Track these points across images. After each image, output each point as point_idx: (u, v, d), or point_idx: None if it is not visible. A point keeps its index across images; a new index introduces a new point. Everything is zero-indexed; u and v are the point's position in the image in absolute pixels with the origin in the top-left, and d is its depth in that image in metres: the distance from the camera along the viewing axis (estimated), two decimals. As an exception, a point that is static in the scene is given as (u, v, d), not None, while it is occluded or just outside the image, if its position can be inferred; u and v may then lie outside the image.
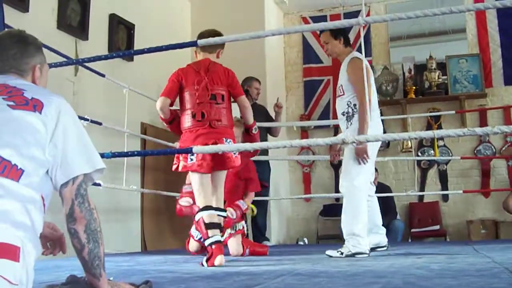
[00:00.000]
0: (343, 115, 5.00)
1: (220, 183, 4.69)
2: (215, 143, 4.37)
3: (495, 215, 8.80)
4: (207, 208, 4.47)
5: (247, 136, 4.95)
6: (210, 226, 4.38)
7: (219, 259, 4.14)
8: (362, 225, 4.76)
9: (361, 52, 4.22)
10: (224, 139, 4.50)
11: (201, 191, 4.53)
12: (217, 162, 4.53)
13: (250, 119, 4.79)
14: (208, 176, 4.55)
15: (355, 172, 4.77)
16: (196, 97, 4.55)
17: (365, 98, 4.16)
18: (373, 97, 5.09)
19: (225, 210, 4.77)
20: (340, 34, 5.05)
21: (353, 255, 4.65)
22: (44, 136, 2.10)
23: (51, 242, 2.44)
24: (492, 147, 9.15)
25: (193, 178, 4.59)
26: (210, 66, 4.68)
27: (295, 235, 9.41)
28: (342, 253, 4.68)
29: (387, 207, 8.39)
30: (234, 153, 4.52)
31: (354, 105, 4.89)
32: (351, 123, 4.86)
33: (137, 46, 7.44)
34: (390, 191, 8.37)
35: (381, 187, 8.22)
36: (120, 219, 6.99)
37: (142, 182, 7.44)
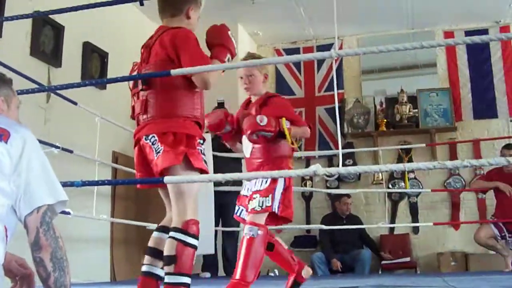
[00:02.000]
0: None
1: (172, 195, 3.25)
2: (137, 145, 3.36)
3: (465, 247, 8.84)
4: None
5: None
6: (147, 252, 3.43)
7: None
8: None
9: (333, 85, 4.22)
10: (145, 137, 3.26)
11: None
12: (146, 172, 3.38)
13: None
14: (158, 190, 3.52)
15: None
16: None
17: None
18: None
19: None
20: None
21: None
22: (9, 167, 2.09)
23: (20, 278, 2.42)
24: (462, 180, 9.24)
25: None
26: (156, 38, 3.55)
27: (266, 267, 9.35)
28: None
29: (359, 237, 8.45)
30: (157, 151, 3.17)
31: None
32: None
33: (111, 74, 7.44)
34: (361, 223, 8.41)
35: (352, 218, 8.30)
36: (89, 248, 6.91)
37: (112, 211, 7.38)
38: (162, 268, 3.22)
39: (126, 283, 5.34)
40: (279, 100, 4.07)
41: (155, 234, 3.43)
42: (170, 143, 3.15)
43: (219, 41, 3.53)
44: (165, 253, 3.11)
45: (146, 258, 3.39)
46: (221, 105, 5.95)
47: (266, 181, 3.77)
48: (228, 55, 3.46)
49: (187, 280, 3.07)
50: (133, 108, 3.39)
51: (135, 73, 3.46)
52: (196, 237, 3.12)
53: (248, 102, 4.18)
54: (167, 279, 3.06)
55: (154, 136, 3.20)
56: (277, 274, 8.83)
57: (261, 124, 3.67)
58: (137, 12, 8.52)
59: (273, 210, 3.74)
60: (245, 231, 3.69)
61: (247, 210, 3.89)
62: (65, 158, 5.85)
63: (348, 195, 8.61)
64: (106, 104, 7.15)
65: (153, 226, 6.78)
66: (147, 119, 3.27)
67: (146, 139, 3.22)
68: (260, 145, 3.89)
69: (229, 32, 3.58)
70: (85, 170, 6.28)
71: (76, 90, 5.41)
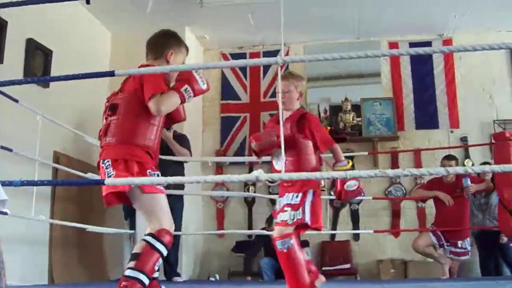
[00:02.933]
0: None
1: (143, 214, 3.70)
2: (99, 166, 3.64)
3: (404, 255, 8.96)
4: None
5: None
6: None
7: None
8: None
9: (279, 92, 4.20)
10: (102, 160, 3.60)
11: None
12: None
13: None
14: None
15: None
16: None
17: None
18: None
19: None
20: None
21: None
22: None
23: None
24: (403, 188, 9.38)
25: None
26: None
27: (207, 271, 9.33)
28: None
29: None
30: (109, 175, 3.47)
31: None
32: None
33: (54, 72, 7.30)
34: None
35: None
36: (27, 250, 6.76)
37: (52, 212, 7.24)
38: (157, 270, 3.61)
39: (64, 286, 5.24)
40: (313, 119, 4.29)
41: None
42: (121, 170, 3.47)
43: (183, 77, 3.71)
44: (133, 251, 3.45)
45: None
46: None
47: (297, 196, 3.99)
48: (187, 86, 3.61)
49: (144, 278, 3.33)
50: (100, 130, 3.70)
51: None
52: (165, 245, 3.45)
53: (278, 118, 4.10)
54: (127, 272, 3.34)
55: (108, 161, 3.54)
56: (218, 278, 8.81)
57: (350, 189, 4.12)
58: (84, 11, 8.43)
59: (305, 222, 3.96)
60: (280, 246, 3.91)
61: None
62: (4, 157, 5.74)
63: None
64: (49, 103, 7.00)
65: (93, 228, 6.71)
66: (105, 141, 3.62)
67: (102, 163, 3.57)
68: (293, 158, 4.09)
69: (197, 72, 3.73)
70: (25, 169, 6.14)
71: (17, 87, 5.27)
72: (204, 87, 3.72)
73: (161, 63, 3.85)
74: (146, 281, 3.32)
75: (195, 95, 3.68)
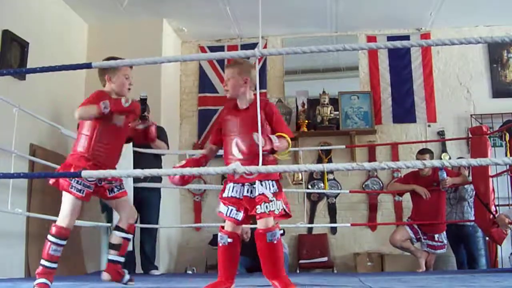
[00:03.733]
0: None
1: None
2: None
3: (381, 248, 9.02)
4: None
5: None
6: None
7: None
8: None
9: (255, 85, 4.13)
10: None
11: None
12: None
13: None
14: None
15: None
16: None
17: None
18: None
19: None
20: None
21: None
22: None
23: None
24: (380, 182, 9.43)
25: None
26: None
27: (184, 264, 9.32)
28: None
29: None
30: None
31: None
32: None
33: (31, 65, 7.21)
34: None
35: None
36: (3, 244, 6.71)
37: (29, 205, 7.18)
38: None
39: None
40: (275, 109, 4.28)
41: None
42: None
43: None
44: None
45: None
46: (143, 101, 5.95)
47: (273, 185, 4.02)
48: (107, 101, 4.35)
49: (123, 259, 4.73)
50: None
51: None
52: (56, 236, 4.36)
53: (235, 106, 4.35)
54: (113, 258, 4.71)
55: None
56: (195, 271, 8.80)
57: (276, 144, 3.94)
58: (61, 2, 8.37)
59: (286, 211, 4.04)
60: (269, 238, 3.91)
61: (250, 212, 4.05)
62: (-21, 149, 5.69)
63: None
64: (25, 95, 6.94)
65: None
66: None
67: None
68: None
69: (124, 99, 4.42)
70: (0, 162, 6.10)
71: (-7, 79, 5.24)
72: (126, 105, 4.34)
73: (108, 86, 4.65)
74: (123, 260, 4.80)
75: (113, 110, 4.33)
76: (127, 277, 4.79)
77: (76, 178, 4.34)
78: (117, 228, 4.73)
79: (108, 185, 4.63)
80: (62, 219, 4.40)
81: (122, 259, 4.77)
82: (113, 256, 4.71)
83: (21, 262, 7.05)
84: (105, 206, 7.46)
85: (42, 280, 4.21)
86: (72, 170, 4.34)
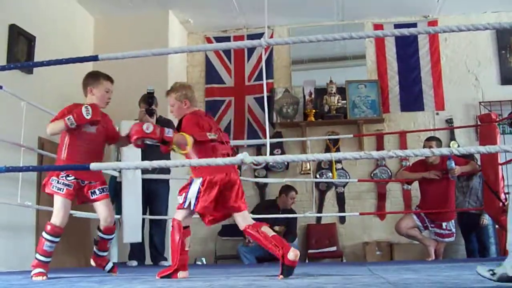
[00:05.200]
0: None
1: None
2: None
3: (390, 237, 9.01)
4: None
5: None
6: None
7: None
8: None
9: (262, 74, 4.20)
10: None
11: None
12: None
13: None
14: None
15: None
16: None
17: None
18: None
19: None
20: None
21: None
22: None
23: None
24: (388, 170, 9.40)
25: None
26: None
27: (194, 255, 9.31)
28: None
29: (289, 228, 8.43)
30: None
31: None
32: None
33: (38, 58, 7.23)
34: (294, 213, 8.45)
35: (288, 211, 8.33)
36: (14, 236, 6.74)
37: (38, 198, 7.20)
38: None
39: (50, 272, 5.21)
40: (184, 119, 4.73)
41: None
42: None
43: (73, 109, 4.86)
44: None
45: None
46: (150, 94, 6.02)
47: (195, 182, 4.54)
48: (70, 116, 4.70)
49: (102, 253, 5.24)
50: None
51: None
52: (50, 234, 4.78)
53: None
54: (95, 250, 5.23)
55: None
56: (205, 262, 8.81)
57: (147, 131, 4.38)
58: (67, -4, 8.37)
59: (185, 207, 4.62)
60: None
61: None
62: (-12, 143, 5.70)
63: (296, 191, 8.61)
64: (32, 89, 6.96)
65: (79, 214, 6.69)
66: None
67: None
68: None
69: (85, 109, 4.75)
70: (9, 156, 6.12)
71: (1, 73, 5.24)
72: (88, 117, 4.70)
73: (89, 98, 4.99)
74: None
75: (77, 123, 4.71)
76: (109, 265, 5.30)
77: (56, 178, 4.82)
78: (98, 228, 5.18)
79: (88, 187, 4.97)
80: (54, 218, 4.81)
81: (101, 253, 5.26)
82: (95, 248, 5.26)
83: (31, 254, 7.06)
84: (114, 198, 7.48)
85: (39, 269, 4.64)
86: (54, 177, 4.83)
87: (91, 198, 4.99)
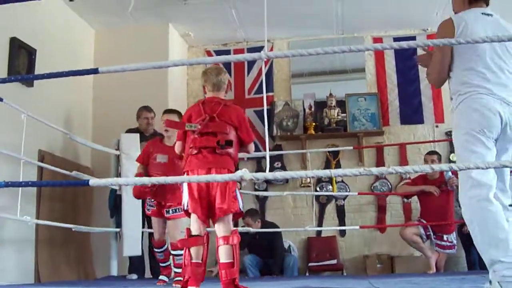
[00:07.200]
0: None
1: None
2: None
3: (390, 250, 9.00)
4: None
5: None
6: None
7: None
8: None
9: (262, 88, 4.21)
10: None
11: None
12: None
13: None
14: None
15: None
16: None
17: None
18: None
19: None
20: None
21: None
22: None
23: None
24: (388, 183, 9.40)
25: None
26: None
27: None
28: None
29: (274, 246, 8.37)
30: None
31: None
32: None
33: (39, 71, 7.22)
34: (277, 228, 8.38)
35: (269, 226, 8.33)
36: (13, 250, 6.73)
37: (38, 212, 7.19)
38: None
39: (50, 285, 5.19)
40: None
41: None
42: None
43: None
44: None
45: None
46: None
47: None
48: None
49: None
50: None
51: None
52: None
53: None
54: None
55: None
56: (213, 273, 8.77)
57: None
58: (67, 9, 8.38)
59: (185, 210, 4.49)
60: None
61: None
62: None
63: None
64: (33, 102, 6.97)
65: (79, 228, 6.69)
66: None
67: None
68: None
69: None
70: (10, 168, 6.12)
71: (1, 86, 5.24)
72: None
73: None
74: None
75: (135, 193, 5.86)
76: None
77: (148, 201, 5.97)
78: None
79: (165, 207, 5.83)
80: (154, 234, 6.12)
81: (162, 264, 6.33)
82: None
83: (30, 268, 7.07)
84: (114, 211, 7.49)
85: (161, 276, 6.20)
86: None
87: (166, 215, 5.87)
